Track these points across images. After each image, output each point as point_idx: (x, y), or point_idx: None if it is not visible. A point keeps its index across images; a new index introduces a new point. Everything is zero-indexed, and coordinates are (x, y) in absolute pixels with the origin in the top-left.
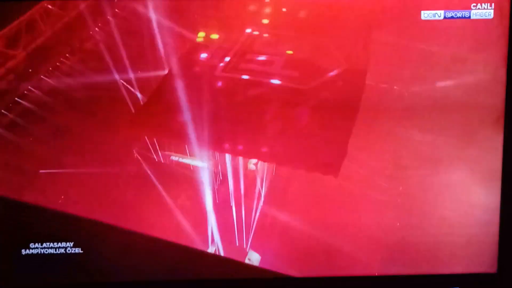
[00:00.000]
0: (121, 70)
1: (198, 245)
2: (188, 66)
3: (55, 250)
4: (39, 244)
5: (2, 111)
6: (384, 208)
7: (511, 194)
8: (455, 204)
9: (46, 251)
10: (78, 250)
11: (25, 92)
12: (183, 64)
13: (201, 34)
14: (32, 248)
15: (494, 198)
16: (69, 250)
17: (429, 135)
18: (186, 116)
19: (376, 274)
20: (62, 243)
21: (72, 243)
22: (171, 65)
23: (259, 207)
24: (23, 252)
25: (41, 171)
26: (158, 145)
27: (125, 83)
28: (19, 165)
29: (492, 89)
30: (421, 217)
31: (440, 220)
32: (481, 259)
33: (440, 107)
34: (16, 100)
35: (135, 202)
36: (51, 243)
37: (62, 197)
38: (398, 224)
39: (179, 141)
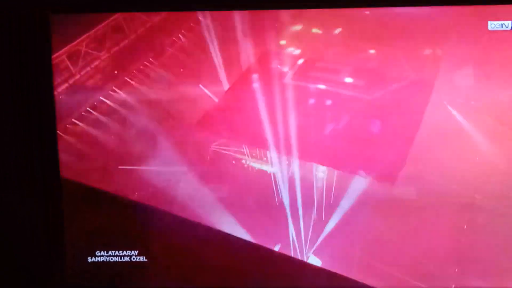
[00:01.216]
0: (198, 75)
1: (265, 244)
2: (259, 72)
3: (120, 258)
4: (105, 252)
5: (88, 109)
6: (455, 219)
7: None
8: None
9: (112, 259)
10: (143, 258)
11: (110, 92)
12: (254, 70)
13: (277, 42)
14: (98, 256)
15: None
16: (134, 259)
17: (493, 144)
18: (256, 120)
19: (453, 287)
20: (127, 251)
21: (137, 251)
22: (243, 71)
23: (327, 215)
24: (89, 259)
25: (120, 167)
26: (231, 147)
27: (203, 87)
28: (101, 159)
29: None
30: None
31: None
32: None
33: (506, 120)
34: (101, 99)
35: (207, 201)
36: (117, 251)
37: (136, 193)
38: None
39: (249, 144)
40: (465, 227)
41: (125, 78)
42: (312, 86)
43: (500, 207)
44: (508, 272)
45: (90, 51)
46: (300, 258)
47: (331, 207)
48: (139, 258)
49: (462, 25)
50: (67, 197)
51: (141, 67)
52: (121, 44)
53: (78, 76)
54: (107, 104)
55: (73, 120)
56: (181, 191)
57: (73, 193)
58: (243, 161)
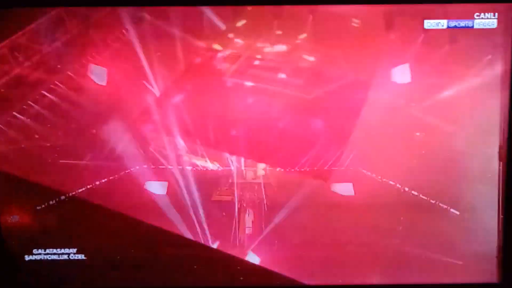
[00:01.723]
0: (141, 71)
1: (202, 240)
2: (199, 70)
3: (59, 256)
4: (43, 250)
5: (29, 102)
6: (386, 217)
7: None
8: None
9: (50, 257)
10: (81, 256)
11: (52, 86)
12: (194, 68)
13: (214, 43)
14: (36, 254)
15: (493, 210)
16: (72, 257)
17: (436, 140)
18: (195, 117)
19: (375, 283)
20: (65, 249)
21: (76, 249)
22: (183, 68)
23: (264, 213)
24: (27, 258)
25: (61, 161)
26: (171, 145)
27: (147, 84)
28: (41, 154)
29: (495, 98)
30: (421, 226)
31: (439, 229)
32: (483, 269)
33: (444, 116)
34: (43, 94)
35: (146, 198)
36: (55, 249)
37: (79, 190)
38: (399, 232)
39: (189, 141)
40: (400, 228)
41: (68, 72)
42: (250, 84)
43: (439, 204)
44: (445, 269)
45: (31, 44)
46: (238, 255)
47: (271, 205)
48: (78, 256)
49: (398, 24)
50: (2, 191)
51: (83, 61)
52: (63, 39)
53: (18, 70)
54: (49, 98)
55: (14, 113)
56: (121, 188)
57: (10, 187)
58: (184, 159)
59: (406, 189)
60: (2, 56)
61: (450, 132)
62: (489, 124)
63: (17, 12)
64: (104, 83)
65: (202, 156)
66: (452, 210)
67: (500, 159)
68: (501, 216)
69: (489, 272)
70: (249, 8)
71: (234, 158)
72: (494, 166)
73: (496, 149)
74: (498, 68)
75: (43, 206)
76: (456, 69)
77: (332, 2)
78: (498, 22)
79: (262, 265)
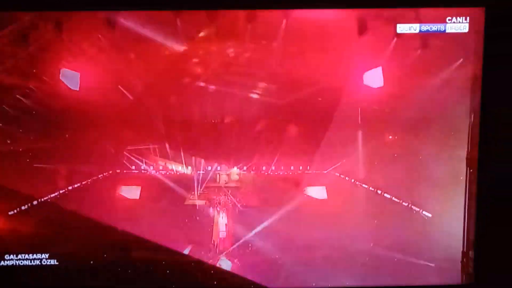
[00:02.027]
0: (116, 75)
1: (175, 247)
2: (173, 74)
3: (31, 262)
4: (14, 255)
5: (3, 106)
6: (359, 219)
7: (478, 208)
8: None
9: (22, 262)
10: (54, 261)
11: (25, 91)
12: (168, 71)
13: (185, 46)
14: (7, 260)
15: (458, 212)
16: (44, 262)
17: (407, 143)
18: (167, 121)
19: (348, 285)
20: (37, 254)
21: (48, 254)
22: (156, 72)
23: (237, 217)
24: None
25: (34, 165)
26: (144, 150)
27: (122, 89)
28: (14, 158)
29: (466, 101)
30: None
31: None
32: (453, 270)
33: (415, 119)
34: (17, 98)
35: (121, 203)
36: (27, 255)
37: (52, 195)
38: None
39: (162, 145)
40: (373, 230)
41: (42, 77)
42: (223, 89)
43: (411, 206)
44: (418, 271)
45: (5, 48)
46: (212, 260)
47: (244, 209)
48: (50, 261)
49: (371, 28)
50: None
51: (57, 66)
52: (37, 44)
53: None
54: (23, 102)
55: None
56: (93, 193)
57: None
58: (157, 163)
59: (379, 191)
60: None
61: (421, 135)
62: (459, 128)
63: None
64: (77, 87)
65: (175, 161)
66: (424, 212)
67: (468, 164)
68: (468, 220)
69: (456, 274)
70: (223, 12)
71: (206, 162)
72: (463, 169)
73: (465, 153)
74: (469, 72)
75: (15, 211)
76: (428, 72)
77: (306, 7)
78: (470, 26)
79: (235, 269)
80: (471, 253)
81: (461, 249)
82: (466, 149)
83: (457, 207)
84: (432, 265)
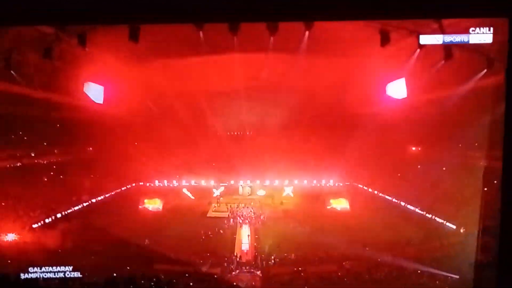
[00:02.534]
0: (139, 90)
1: (198, 259)
2: (196, 86)
3: (54, 274)
4: (38, 268)
5: (28, 120)
6: (382, 231)
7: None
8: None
9: (46, 275)
10: (77, 274)
11: (52, 105)
12: (191, 84)
13: (208, 58)
14: (32, 272)
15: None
16: (68, 274)
17: (432, 155)
18: (191, 133)
19: None
20: (61, 267)
21: (71, 267)
22: (179, 85)
23: (260, 228)
24: (22, 276)
25: (59, 178)
26: (164, 164)
27: (145, 102)
28: (40, 170)
29: (491, 111)
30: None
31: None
32: (479, 282)
33: (439, 130)
34: (42, 111)
35: (144, 215)
36: (50, 267)
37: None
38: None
39: (183, 158)
40: (397, 242)
41: (68, 91)
42: (247, 102)
43: (435, 218)
44: (442, 282)
45: (29, 62)
46: (235, 271)
47: (267, 221)
48: (74, 274)
49: (394, 40)
50: None
51: (84, 81)
52: (61, 58)
53: (13, 87)
54: (48, 115)
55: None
56: (117, 206)
57: (6, 206)
58: (182, 177)
59: (403, 203)
60: (2, 74)
61: (445, 147)
62: (484, 139)
63: (13, 30)
64: (101, 101)
65: (198, 173)
66: (448, 224)
67: (492, 175)
68: (492, 232)
69: (485, 285)
70: (245, 25)
71: (229, 174)
72: (488, 180)
73: (493, 163)
74: (493, 82)
75: (39, 224)
76: (452, 83)
77: (329, 19)
78: (494, 37)
79: (258, 281)
80: (494, 265)
81: (485, 261)
82: (490, 161)
83: (482, 218)
84: (457, 276)
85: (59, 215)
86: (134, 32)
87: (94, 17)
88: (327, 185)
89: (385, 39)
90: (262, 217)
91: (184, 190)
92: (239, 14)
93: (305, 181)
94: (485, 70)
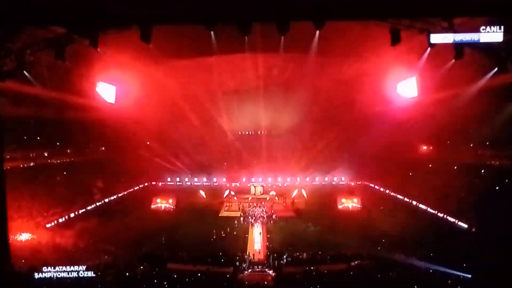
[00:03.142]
0: (151, 90)
1: (211, 258)
2: (207, 86)
3: (68, 274)
4: (52, 268)
5: (41, 120)
6: (393, 230)
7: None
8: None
9: (59, 274)
10: (91, 273)
11: (64, 105)
12: (202, 84)
13: (219, 59)
14: (45, 272)
15: None
16: (81, 274)
17: (443, 154)
18: (202, 133)
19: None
20: (75, 266)
21: (85, 266)
22: (191, 85)
23: (272, 227)
24: (36, 275)
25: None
26: (177, 163)
27: (157, 102)
28: (53, 170)
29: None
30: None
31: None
32: (492, 282)
33: (450, 129)
34: (55, 111)
35: (157, 215)
36: (64, 267)
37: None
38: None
39: (196, 158)
40: (409, 241)
41: (80, 91)
42: (259, 102)
43: (446, 217)
44: (454, 282)
45: (41, 61)
46: (245, 272)
47: (278, 220)
48: (87, 274)
49: (404, 38)
50: (12, 210)
51: (96, 81)
52: (73, 58)
53: (24, 86)
54: (61, 116)
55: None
56: (129, 206)
57: (19, 206)
58: (194, 176)
59: (414, 203)
60: (13, 74)
61: (456, 146)
62: (496, 138)
63: (27, 30)
64: (113, 101)
65: (210, 173)
66: (459, 223)
67: (505, 174)
68: (504, 231)
69: (498, 284)
70: (256, 25)
71: (241, 174)
72: (503, 178)
73: (505, 162)
74: (504, 81)
75: (52, 223)
76: (462, 82)
77: (339, 18)
78: (504, 35)
79: (270, 279)
80: (506, 264)
81: (498, 260)
82: (503, 160)
83: (494, 217)
84: (469, 276)
85: (71, 215)
86: (146, 32)
87: (107, 18)
88: (339, 183)
89: (395, 39)
90: (274, 216)
91: (200, 191)
92: (250, 14)
93: (317, 180)
94: (496, 69)
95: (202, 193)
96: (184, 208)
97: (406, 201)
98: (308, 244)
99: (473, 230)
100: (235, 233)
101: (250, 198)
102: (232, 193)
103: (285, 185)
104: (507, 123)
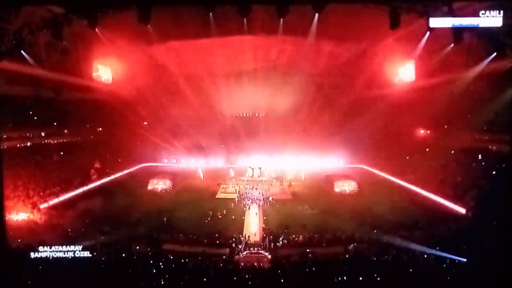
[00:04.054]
0: (148, 71)
1: (207, 240)
2: (205, 69)
3: (64, 254)
4: (48, 247)
5: (38, 101)
6: (389, 214)
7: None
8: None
9: (55, 254)
10: (87, 253)
11: (61, 85)
12: (200, 66)
13: (218, 40)
14: (41, 252)
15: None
16: (77, 254)
17: (440, 138)
18: (199, 114)
19: (378, 277)
20: (71, 246)
21: (81, 246)
22: (189, 67)
23: (268, 209)
24: (32, 255)
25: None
26: (174, 145)
27: (154, 84)
28: (49, 150)
29: (501, 95)
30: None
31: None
32: (487, 266)
33: (448, 113)
34: (52, 92)
35: (152, 196)
36: (60, 247)
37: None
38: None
39: (192, 139)
40: (405, 225)
41: (77, 71)
42: (257, 84)
43: (444, 201)
44: (450, 266)
45: (39, 42)
46: (243, 251)
47: (275, 202)
48: (83, 254)
49: (403, 22)
50: (7, 189)
51: (93, 62)
52: (71, 39)
53: (24, 67)
54: (58, 96)
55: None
56: (125, 186)
57: (15, 186)
58: (191, 157)
59: (411, 186)
60: (11, 54)
61: (453, 130)
62: (493, 122)
63: (25, 10)
64: (109, 81)
65: (207, 154)
66: (456, 207)
67: (503, 159)
68: (503, 216)
69: (493, 268)
70: (255, 7)
71: (238, 155)
72: (498, 164)
73: (502, 147)
74: (503, 66)
75: (48, 204)
76: (461, 66)
77: (339, 1)
78: (504, 20)
79: (266, 261)
80: (502, 248)
81: (493, 244)
82: (500, 144)
83: (492, 202)
84: (464, 260)
85: (67, 196)
86: (145, 13)
87: (106, 1)
88: (337, 166)
89: (395, 22)
90: (270, 198)
91: (199, 170)
92: None
93: (314, 163)
94: (495, 54)
95: (200, 173)
96: (180, 190)
97: (403, 185)
98: (304, 226)
99: (470, 214)
100: (231, 215)
101: (246, 180)
102: (231, 174)
103: (282, 167)
104: (505, 108)
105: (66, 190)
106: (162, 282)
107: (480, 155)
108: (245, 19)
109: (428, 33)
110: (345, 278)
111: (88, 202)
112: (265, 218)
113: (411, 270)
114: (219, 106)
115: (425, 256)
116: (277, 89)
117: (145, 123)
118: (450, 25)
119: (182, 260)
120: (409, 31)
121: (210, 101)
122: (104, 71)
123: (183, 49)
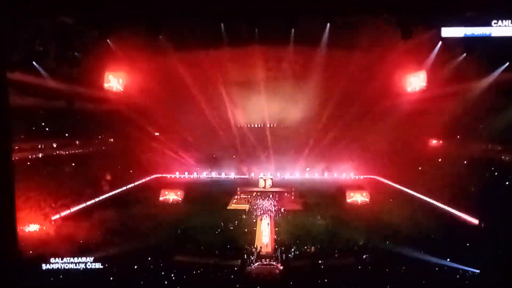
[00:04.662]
0: (160, 82)
1: (218, 251)
2: (215, 79)
3: (76, 265)
4: (60, 259)
5: (50, 111)
6: (402, 224)
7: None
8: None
9: (67, 266)
10: (98, 265)
11: (73, 96)
12: (210, 77)
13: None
14: (53, 263)
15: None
16: (89, 266)
17: (452, 148)
18: (211, 126)
19: None
20: (82, 258)
21: (92, 258)
22: (200, 78)
23: (280, 221)
24: (44, 266)
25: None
26: (185, 156)
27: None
28: (61, 161)
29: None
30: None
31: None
32: (500, 277)
33: (460, 123)
34: (64, 102)
35: (164, 207)
36: (72, 258)
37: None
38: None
39: (203, 151)
40: (417, 235)
41: (89, 81)
42: (268, 95)
43: (455, 212)
44: (463, 276)
45: (51, 53)
46: (253, 266)
47: (286, 213)
48: (95, 265)
49: (415, 32)
50: (19, 201)
51: (105, 72)
52: (83, 50)
53: (35, 79)
54: (69, 106)
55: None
56: (137, 198)
57: (27, 197)
58: (202, 169)
59: (423, 197)
60: (24, 65)
61: (466, 140)
62: (507, 133)
63: (36, 22)
64: (121, 91)
65: (218, 166)
66: (469, 218)
67: None
68: None
69: (506, 280)
70: (266, 17)
71: (250, 167)
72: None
73: None
74: None
75: (59, 215)
76: (473, 76)
77: (351, 12)
78: None
79: (277, 273)
80: None
81: (507, 256)
82: None
83: (505, 213)
84: (477, 271)
85: (79, 207)
86: (155, 26)
87: (117, 12)
88: (348, 177)
89: (406, 33)
90: (282, 209)
91: (211, 181)
92: (260, 7)
93: (326, 173)
94: (507, 63)
95: (210, 186)
96: (192, 201)
97: (415, 195)
98: (316, 237)
99: (483, 225)
100: (242, 226)
101: (259, 192)
102: (243, 186)
103: (294, 178)
104: None
105: (78, 201)
106: None
107: (493, 166)
108: (256, 29)
109: (440, 42)
110: None
111: (99, 213)
112: (276, 229)
113: (423, 281)
114: (231, 117)
115: (438, 267)
116: (289, 99)
117: (156, 134)
118: (462, 35)
119: (194, 272)
120: (421, 41)
121: (222, 112)
122: (116, 82)
123: (194, 60)
